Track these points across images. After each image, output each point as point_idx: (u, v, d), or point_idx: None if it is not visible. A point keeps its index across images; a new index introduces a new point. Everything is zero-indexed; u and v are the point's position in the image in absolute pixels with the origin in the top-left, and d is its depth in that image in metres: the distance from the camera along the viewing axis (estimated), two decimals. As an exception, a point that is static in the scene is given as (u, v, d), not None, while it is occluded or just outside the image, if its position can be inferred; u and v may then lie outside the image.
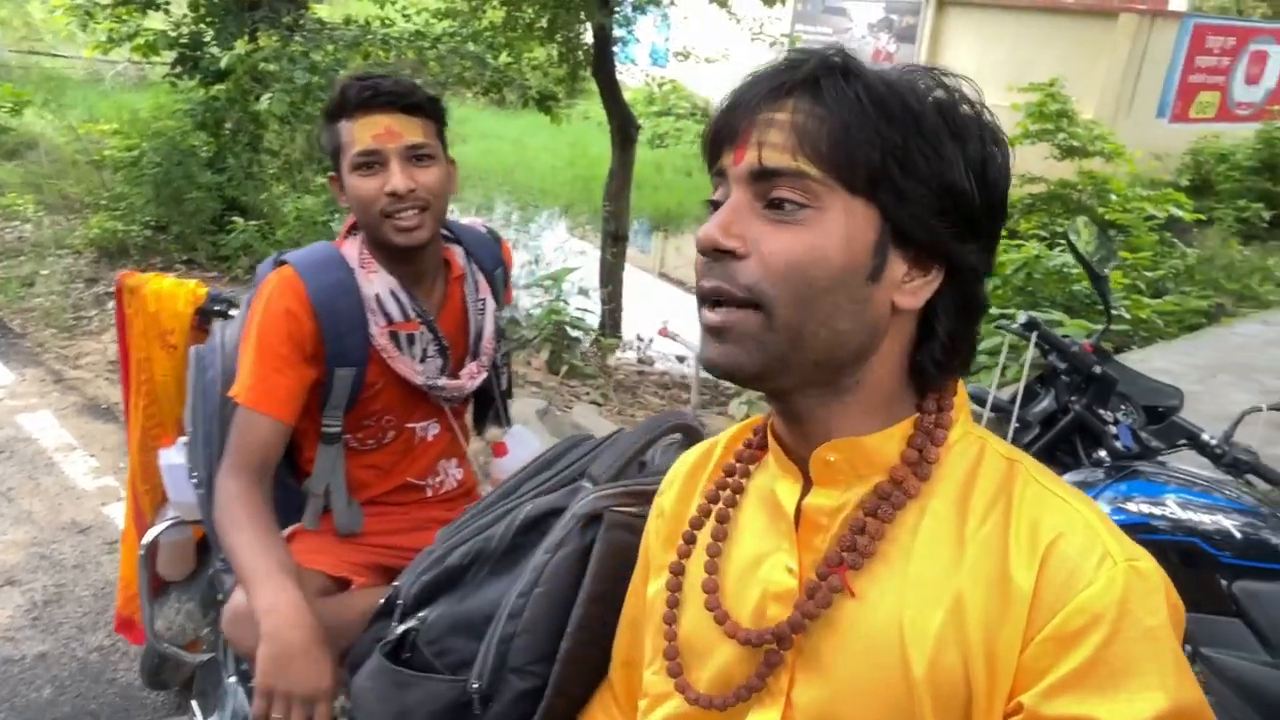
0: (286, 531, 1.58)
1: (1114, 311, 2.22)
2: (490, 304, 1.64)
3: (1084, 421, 2.01)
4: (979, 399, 2.12)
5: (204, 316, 1.80)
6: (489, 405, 1.80)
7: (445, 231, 1.59)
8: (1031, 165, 9.58)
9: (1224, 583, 1.69)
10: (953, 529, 0.71)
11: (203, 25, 6.78)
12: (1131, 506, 1.79)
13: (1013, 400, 2.11)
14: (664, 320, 3.88)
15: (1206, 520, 1.74)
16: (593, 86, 9.12)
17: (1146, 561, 0.67)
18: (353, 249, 1.51)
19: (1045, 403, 2.13)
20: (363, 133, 1.41)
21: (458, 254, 1.61)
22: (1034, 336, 2.00)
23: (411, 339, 1.52)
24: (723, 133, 0.72)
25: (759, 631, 0.75)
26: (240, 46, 6.21)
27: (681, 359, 4.18)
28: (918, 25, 12.93)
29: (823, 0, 14.08)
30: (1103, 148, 9.19)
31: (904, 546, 0.72)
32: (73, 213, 6.95)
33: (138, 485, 1.90)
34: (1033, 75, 9.73)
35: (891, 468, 0.73)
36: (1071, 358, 2.00)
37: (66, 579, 2.81)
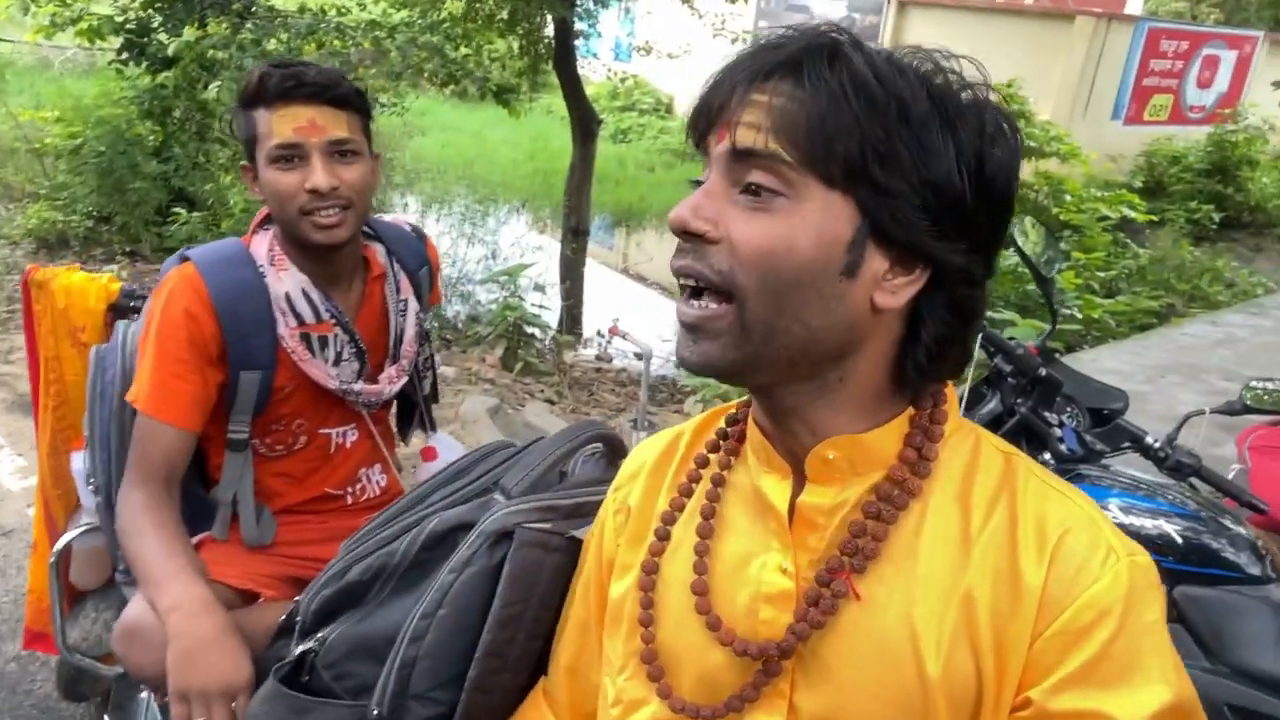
0: (193, 541, 1.51)
1: (1066, 311, 2.21)
2: (413, 304, 1.56)
3: (1029, 424, 1.99)
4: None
5: (117, 313, 1.70)
6: (413, 410, 1.72)
7: (365, 229, 1.52)
8: (989, 165, 9.67)
9: (1165, 588, 1.67)
10: (957, 525, 0.70)
11: (151, 11, 6.61)
12: (1075, 511, 1.77)
13: (960, 400, 2.08)
14: (614, 318, 3.84)
15: (1149, 525, 1.73)
16: (555, 80, 9.06)
17: (1144, 556, 0.68)
18: (262, 245, 1.43)
19: (991, 405, 2.10)
20: (283, 124, 1.33)
21: (378, 252, 1.54)
22: (979, 338, 1.97)
23: (325, 341, 1.44)
24: (703, 111, 0.69)
25: (761, 644, 0.72)
26: (189, 33, 6.05)
27: (639, 356, 4.13)
28: (879, 25, 13.01)
29: (785, -2, 14.12)
30: (1059, 149, 9.31)
31: (908, 545, 0.70)
32: (12, 202, 6.73)
33: (48, 490, 1.80)
34: (991, 76, 9.78)
35: (890, 466, 0.71)
36: (1016, 360, 1.98)
37: (-13, 585, 2.70)
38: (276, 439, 1.49)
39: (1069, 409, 2.07)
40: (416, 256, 1.59)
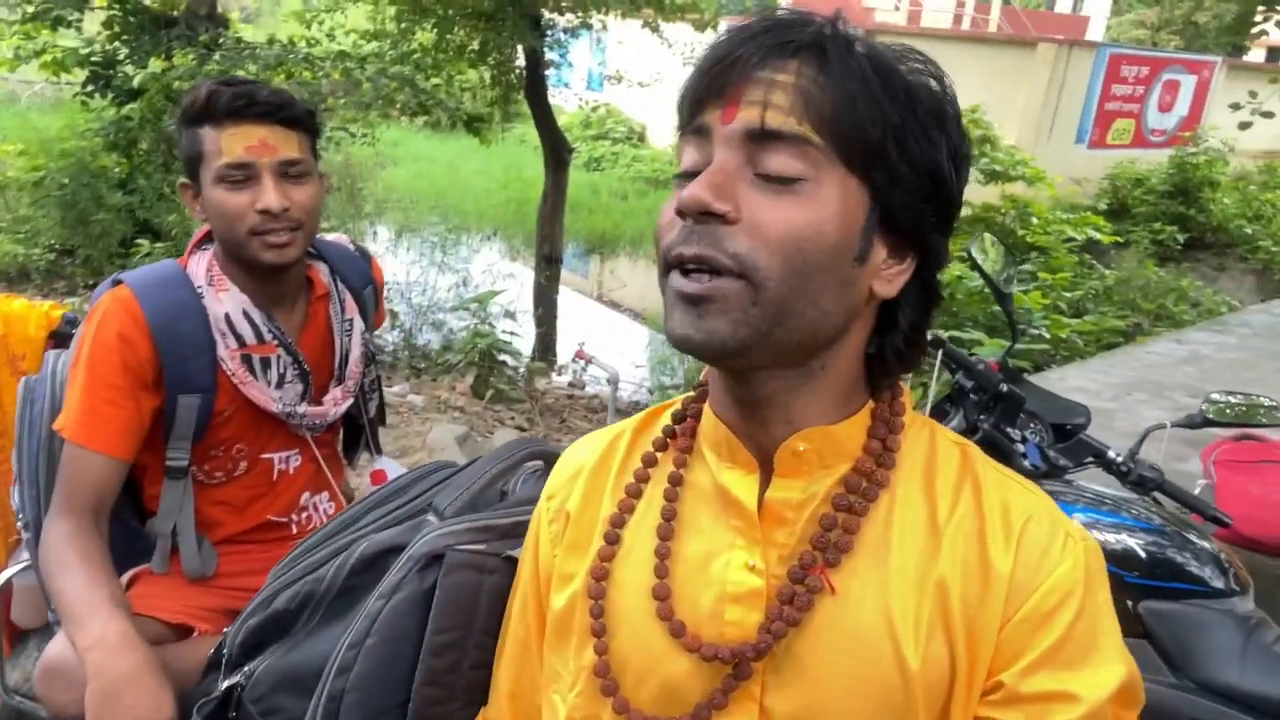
0: (129, 574, 1.45)
1: (1034, 331, 2.22)
2: (358, 324, 1.53)
3: (992, 440, 1.98)
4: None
5: (58, 341, 1.67)
6: (358, 435, 1.68)
7: (309, 248, 1.49)
8: (956, 189, 9.79)
9: (1129, 603, 1.66)
10: (924, 515, 0.70)
11: (117, 43, 6.58)
12: (1039, 527, 1.76)
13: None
14: (580, 342, 3.82)
15: (1112, 540, 1.72)
16: (527, 110, 9.09)
17: (1092, 539, 0.71)
18: (200, 265, 1.39)
19: (955, 421, 2.09)
20: (232, 143, 1.30)
21: (321, 271, 1.51)
22: (939, 354, 1.97)
23: (267, 363, 1.40)
24: (709, 87, 0.65)
25: (733, 647, 0.68)
26: (155, 65, 6.03)
27: (609, 380, 4.11)
28: (847, 52, 13.18)
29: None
30: (1024, 172, 9.45)
31: (879, 537, 0.70)
32: (-27, 236, 6.64)
33: (-12, 524, 1.75)
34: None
35: (856, 459, 0.71)
36: (977, 376, 1.97)
37: (-69, 626, 2.60)
38: (216, 465, 1.44)
39: (1032, 425, 2.07)
40: (361, 275, 1.57)
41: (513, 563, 0.89)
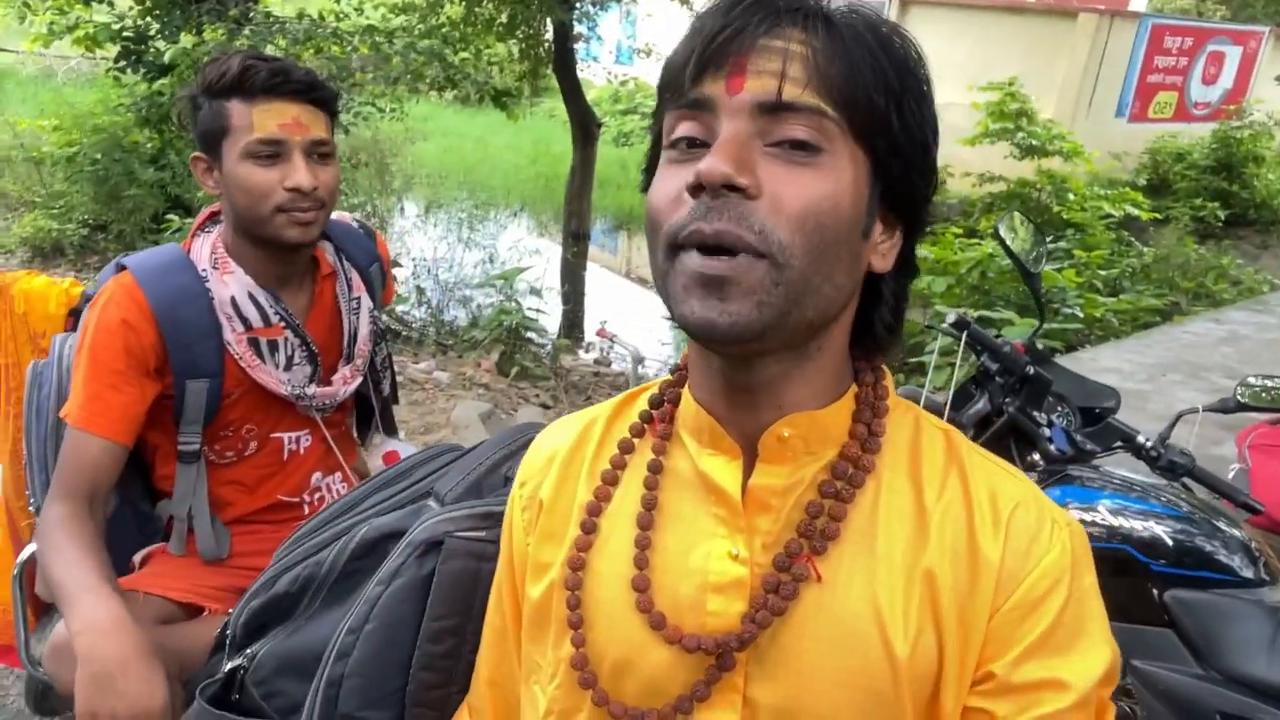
0: (141, 554, 1.46)
1: (1066, 310, 2.17)
2: (365, 302, 1.52)
3: (1018, 424, 1.95)
4: (912, 400, 2.05)
5: (78, 318, 1.67)
6: (370, 415, 1.67)
7: None
8: (991, 164, 9.62)
9: (1156, 592, 1.63)
10: (911, 502, 0.69)
11: (148, 18, 6.61)
12: (1063, 513, 1.73)
13: (946, 402, 2.04)
14: (602, 321, 3.81)
15: (1139, 527, 1.68)
16: (556, 84, 9.04)
17: (1076, 523, 0.70)
18: (204, 249, 1.39)
19: (979, 404, 2.06)
20: (265, 119, 1.30)
21: (326, 250, 1.50)
22: (964, 336, 1.93)
23: (275, 345, 1.40)
24: (709, 57, 0.62)
25: (717, 638, 0.67)
26: (186, 40, 6.05)
27: (636, 360, 4.09)
28: (881, 24, 12.95)
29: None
30: (1061, 147, 9.24)
31: (865, 524, 0.68)
32: (9, 211, 6.74)
33: (10, 500, 1.76)
34: (993, 74, 9.76)
35: (842, 444, 0.70)
36: (1003, 358, 1.93)
37: (-37, 596, 2.66)
38: (226, 445, 1.44)
39: (1059, 408, 2.03)
40: (366, 253, 1.56)
41: None
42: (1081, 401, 2.05)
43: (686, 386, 0.74)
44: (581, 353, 6.25)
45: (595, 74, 11.68)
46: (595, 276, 8.86)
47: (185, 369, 1.34)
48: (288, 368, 1.42)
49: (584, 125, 8.82)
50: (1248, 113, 11.60)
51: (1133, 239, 8.08)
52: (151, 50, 6.44)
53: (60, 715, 2.13)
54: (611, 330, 2.98)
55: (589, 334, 6.73)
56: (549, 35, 8.55)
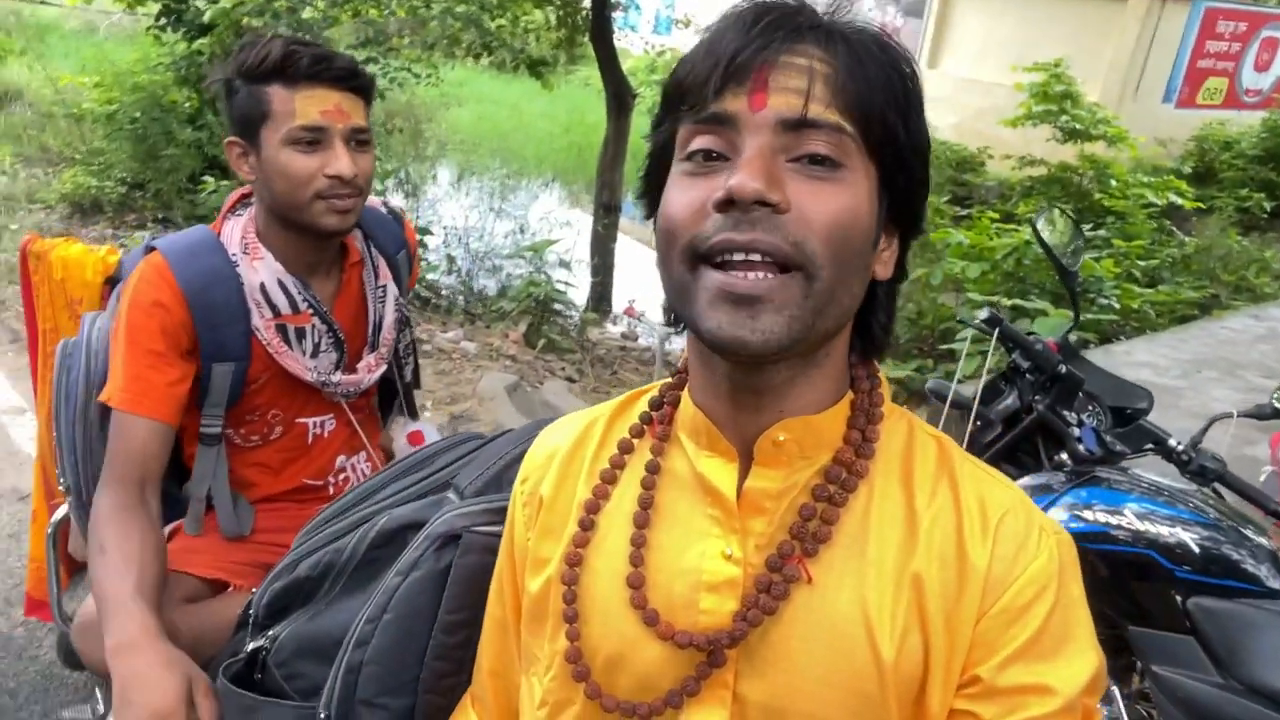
0: (169, 527, 1.48)
1: (1102, 301, 2.13)
2: (392, 290, 1.52)
3: (1046, 422, 1.93)
4: (940, 394, 2.04)
5: (114, 286, 1.69)
6: (393, 397, 1.68)
7: None
8: (1033, 147, 9.43)
9: (1179, 598, 1.61)
10: (901, 507, 0.70)
11: (189, -24, 6.62)
12: (1089, 515, 1.71)
13: (974, 396, 2.02)
14: (631, 299, 3.79)
15: (1165, 532, 1.66)
16: (593, 53, 8.96)
17: (1064, 532, 0.72)
18: (234, 232, 1.39)
19: (1008, 401, 2.04)
20: (308, 105, 1.29)
21: (356, 238, 1.50)
22: (995, 333, 1.90)
23: (302, 332, 1.41)
24: (729, 74, 0.64)
25: (709, 635, 0.68)
26: (225, 0, 6.05)
27: (662, 338, 4.09)
28: (925, 1, 12.71)
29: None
30: (1106, 131, 9.02)
31: (857, 528, 0.70)
32: (50, 166, 6.82)
33: (47, 462, 1.80)
34: (1038, 55, 9.54)
35: (836, 449, 0.71)
36: (1035, 356, 1.91)
37: (0, 548, 2.73)
38: (251, 429, 1.46)
39: (1090, 407, 2.00)
40: (394, 240, 1.56)
41: None
42: (1113, 401, 2.03)
43: (686, 389, 0.76)
44: (609, 325, 6.25)
45: (632, 43, 11.55)
46: (625, 249, 8.83)
47: (212, 351, 1.34)
48: (314, 354, 1.43)
49: (619, 95, 8.73)
50: (1301, 101, 11.28)
51: (1174, 228, 7.91)
52: (191, 9, 6.45)
53: (89, 670, 2.19)
54: (640, 309, 2.97)
55: (617, 307, 6.72)
56: (587, 3, 8.45)
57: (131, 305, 1.32)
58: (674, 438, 0.76)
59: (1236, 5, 12.68)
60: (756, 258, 0.62)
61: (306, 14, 6.13)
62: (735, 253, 0.62)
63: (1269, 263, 7.54)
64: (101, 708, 1.83)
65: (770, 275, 0.62)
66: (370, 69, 1.33)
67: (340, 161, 1.30)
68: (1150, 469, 1.88)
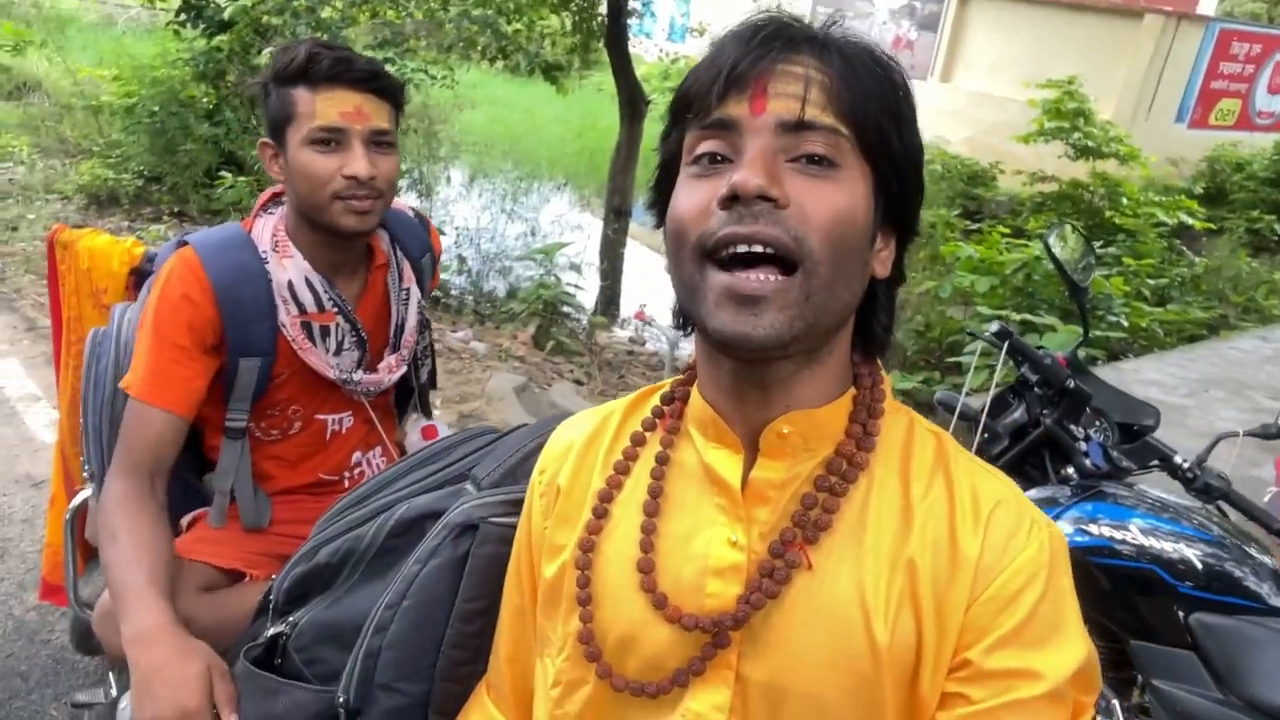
0: (190, 516, 1.50)
1: (1110, 318, 2.15)
2: (414, 294, 1.55)
3: (1054, 436, 1.94)
4: (949, 405, 2.05)
5: (140, 277, 1.72)
6: (409, 396, 1.70)
7: None
8: (1044, 163, 9.44)
9: (1181, 614, 1.62)
10: (899, 498, 0.73)
11: (210, -27, 6.68)
12: (1094, 529, 1.72)
13: (983, 409, 2.03)
14: (641, 304, 3.82)
15: (1169, 548, 1.68)
16: (606, 58, 8.99)
17: (1055, 526, 0.74)
18: (264, 230, 1.41)
19: (1016, 414, 2.05)
20: (328, 107, 1.31)
21: (383, 240, 1.52)
22: (1004, 346, 1.92)
23: (326, 330, 1.43)
24: (731, 82, 0.68)
25: (714, 617, 0.72)
26: (246, -2, 6.10)
27: (671, 344, 4.12)
28: (940, 14, 12.73)
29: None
30: (1118, 150, 9.03)
31: (856, 517, 0.73)
32: (68, 157, 6.88)
33: (66, 448, 1.83)
34: (1052, 71, 9.56)
35: (839, 442, 0.74)
36: (1044, 370, 1.92)
37: (13, 533, 2.76)
38: (272, 424, 1.48)
39: (1097, 423, 2.01)
40: (420, 244, 1.58)
41: None
42: (1121, 417, 2.04)
43: (695, 385, 0.80)
44: (617, 330, 6.28)
45: (647, 50, 11.62)
46: (634, 254, 8.86)
47: (239, 346, 1.36)
48: (337, 352, 1.45)
49: (633, 101, 8.77)
50: (1314, 125, 11.27)
51: (1184, 248, 7.92)
52: (211, 6, 6.51)
53: (102, 654, 2.22)
54: (650, 314, 2.99)
55: (625, 312, 6.75)
56: (603, 9, 8.49)
57: (161, 298, 1.34)
58: (684, 431, 0.80)
59: (1251, 27, 12.69)
60: (759, 249, 0.66)
61: (325, 14, 6.18)
62: (739, 245, 0.66)
63: (1278, 285, 7.54)
64: (115, 691, 1.85)
65: (773, 277, 0.66)
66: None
67: (357, 162, 1.31)
68: (1156, 485, 1.90)
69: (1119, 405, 2.07)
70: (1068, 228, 2.21)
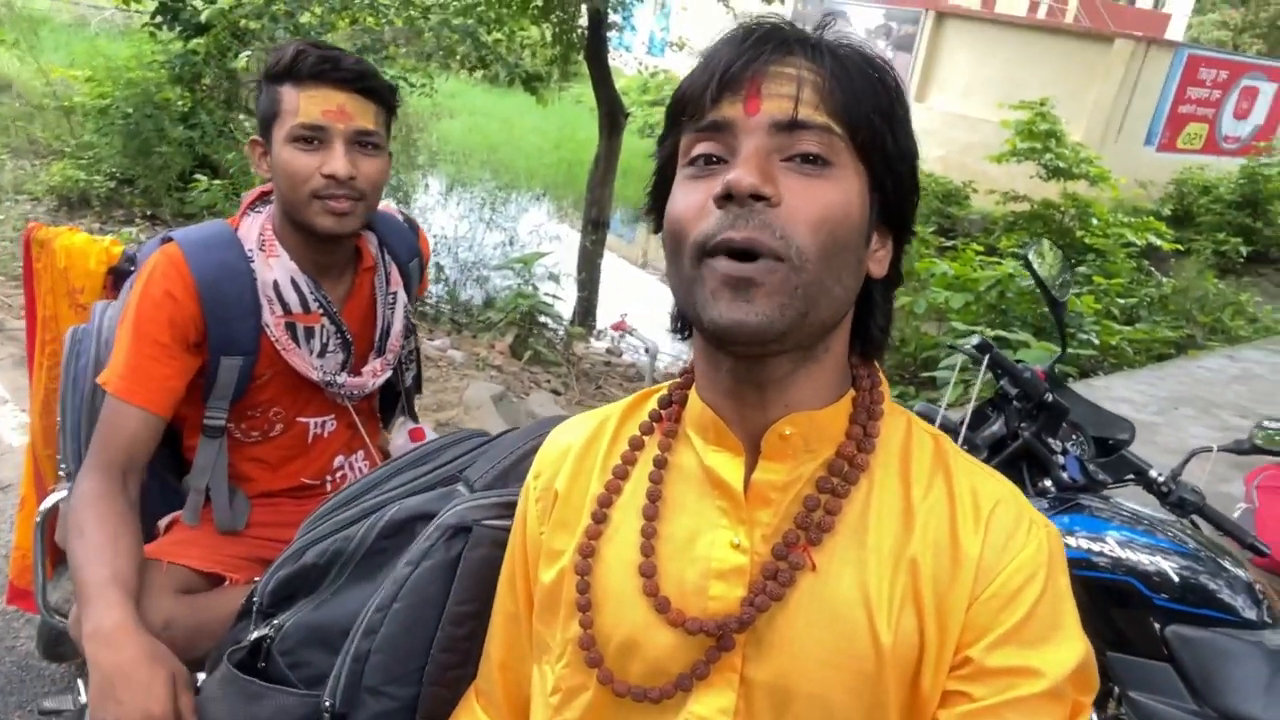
0: (167, 519, 1.47)
1: (1083, 336, 2.17)
2: (401, 298, 1.53)
3: (1032, 449, 1.96)
4: (928, 417, 2.06)
5: (117, 277, 1.69)
6: (395, 400, 1.68)
7: None
8: (1016, 183, 9.59)
9: (1157, 626, 1.64)
10: (899, 498, 0.74)
11: (188, -25, 6.62)
12: (1071, 541, 1.74)
13: (962, 421, 2.05)
14: (622, 313, 3.82)
15: (1146, 561, 1.69)
16: (586, 70, 9.02)
17: (1052, 525, 0.75)
18: (252, 229, 1.39)
19: (995, 427, 2.07)
20: (310, 105, 1.30)
21: (371, 243, 1.50)
22: (986, 359, 1.94)
23: (311, 332, 1.41)
24: (725, 84, 0.69)
25: (718, 620, 0.72)
26: (223, 1, 6.06)
27: (647, 350, 4.12)
28: (916, 35, 12.90)
29: (821, 0, 14.02)
30: (1088, 171, 9.20)
31: (858, 518, 0.73)
32: (37, 158, 6.77)
33: (38, 449, 1.79)
34: (1024, 93, 9.72)
35: (840, 443, 0.74)
36: (1023, 383, 1.94)
37: (-23, 538, 2.70)
38: (252, 425, 1.46)
39: (1074, 436, 2.03)
40: (408, 248, 1.56)
41: None
42: (1096, 431, 2.06)
43: (693, 388, 0.80)
44: (594, 340, 6.27)
45: (626, 63, 11.66)
46: (611, 265, 8.87)
47: (221, 344, 1.34)
48: (321, 354, 1.43)
49: (611, 114, 8.80)
50: (1278, 150, 11.53)
51: (1153, 269, 8.06)
52: (188, 8, 6.45)
53: (70, 661, 2.17)
54: (631, 323, 2.99)
55: (602, 322, 6.75)
56: (583, 21, 8.53)
57: (143, 295, 1.32)
58: (682, 434, 0.80)
59: (1218, 54, 12.98)
60: (754, 253, 0.66)
61: (304, 19, 6.15)
62: (735, 248, 0.67)
63: (1244, 306, 7.69)
64: (83, 698, 1.80)
65: (766, 261, 0.66)
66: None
67: (335, 161, 1.30)
68: (1131, 499, 1.92)
69: (1094, 419, 2.10)
70: (1046, 244, 2.23)
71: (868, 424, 0.75)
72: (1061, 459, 1.94)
